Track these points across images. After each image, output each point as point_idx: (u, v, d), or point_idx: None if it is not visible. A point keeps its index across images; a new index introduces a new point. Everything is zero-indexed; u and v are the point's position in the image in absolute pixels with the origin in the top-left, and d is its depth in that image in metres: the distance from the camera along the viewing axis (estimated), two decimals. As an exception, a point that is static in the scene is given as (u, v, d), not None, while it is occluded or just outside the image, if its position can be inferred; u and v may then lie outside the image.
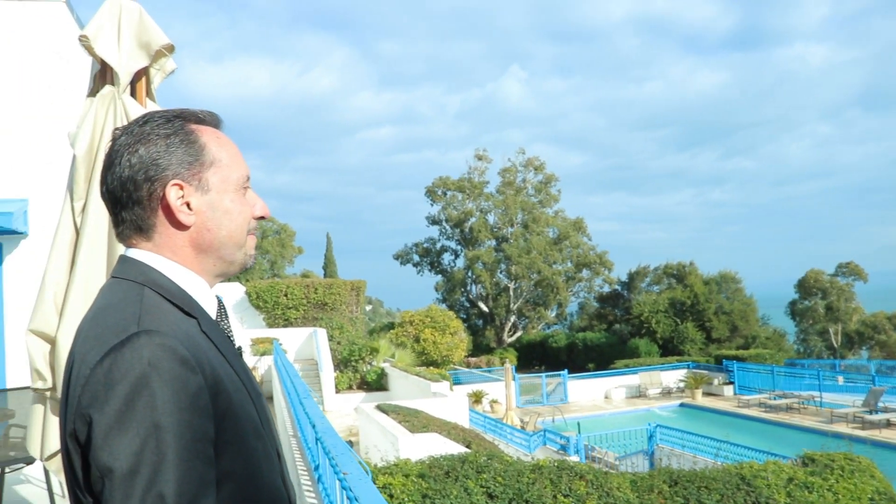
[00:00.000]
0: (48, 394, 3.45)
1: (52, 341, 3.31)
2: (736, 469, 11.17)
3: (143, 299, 1.21)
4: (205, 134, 1.37)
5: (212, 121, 1.42)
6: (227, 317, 1.40)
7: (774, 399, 27.47)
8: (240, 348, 1.40)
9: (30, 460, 6.27)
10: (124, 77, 3.46)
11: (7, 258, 8.84)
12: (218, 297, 1.40)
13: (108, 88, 3.49)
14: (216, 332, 1.29)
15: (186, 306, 1.26)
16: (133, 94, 3.68)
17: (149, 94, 3.80)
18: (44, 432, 3.52)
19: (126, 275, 1.28)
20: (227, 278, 1.45)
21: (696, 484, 10.29)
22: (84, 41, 3.45)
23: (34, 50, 9.10)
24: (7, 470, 6.38)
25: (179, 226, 1.31)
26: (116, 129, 1.37)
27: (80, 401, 1.10)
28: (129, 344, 1.10)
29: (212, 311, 1.34)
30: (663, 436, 20.21)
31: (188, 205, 1.31)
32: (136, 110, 3.46)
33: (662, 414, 28.89)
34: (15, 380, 8.37)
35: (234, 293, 28.58)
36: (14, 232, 8.59)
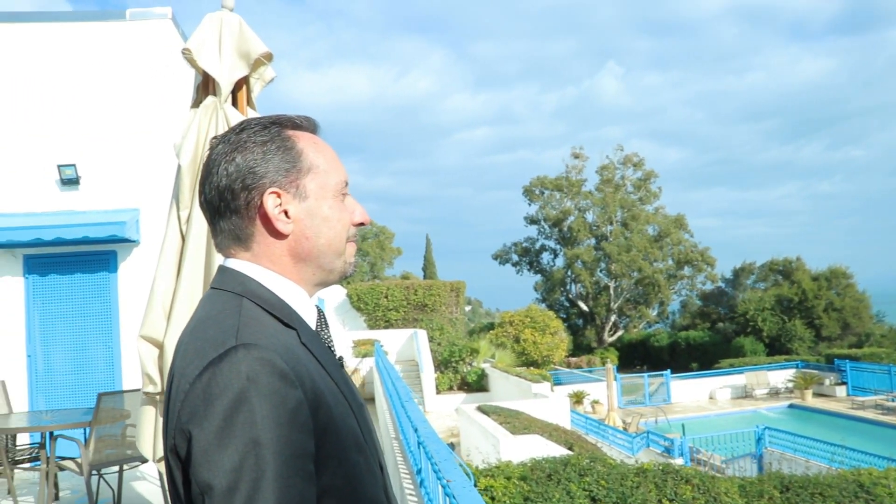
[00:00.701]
0: (158, 397, 3.54)
1: (160, 346, 3.40)
2: (853, 475, 10.65)
3: (242, 311, 1.19)
4: (301, 139, 1.34)
5: (308, 126, 1.40)
6: (327, 326, 1.37)
7: (893, 401, 26.12)
8: (341, 358, 1.37)
9: (145, 459, 6.52)
10: (225, 87, 3.53)
11: (121, 266, 9.22)
12: (318, 307, 1.37)
13: (210, 99, 3.57)
14: (316, 343, 1.27)
15: (286, 317, 1.23)
16: (234, 103, 3.74)
17: (249, 102, 3.87)
18: (155, 435, 3.62)
19: (225, 286, 1.27)
20: (328, 286, 1.42)
21: (809, 490, 9.85)
22: (187, 54, 3.53)
23: (143, 66, 9.45)
24: (125, 467, 6.66)
25: (277, 234, 1.29)
26: (214, 137, 1.36)
27: (179, 416, 1.09)
28: (228, 358, 1.08)
29: (311, 321, 1.32)
30: (772, 438, 19.51)
31: (286, 213, 1.28)
32: (237, 119, 3.52)
33: (770, 415, 27.91)
34: (130, 382, 8.73)
35: (335, 295, 29.13)
36: (127, 240, 8.94)
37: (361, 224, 1.40)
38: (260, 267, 1.29)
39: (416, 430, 4.25)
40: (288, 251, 1.30)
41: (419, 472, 4.07)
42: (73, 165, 9.13)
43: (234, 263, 1.30)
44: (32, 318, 9.14)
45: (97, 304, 9.20)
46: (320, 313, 1.37)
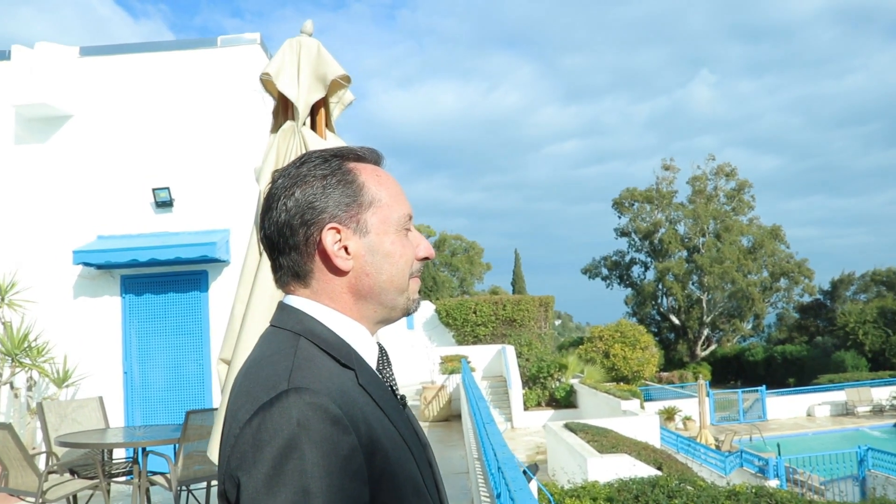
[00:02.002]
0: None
1: (239, 370, 3.44)
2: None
3: (297, 352, 1.16)
4: (363, 172, 1.31)
5: (372, 157, 1.36)
6: (389, 364, 1.33)
7: None
8: (403, 398, 1.33)
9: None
10: (303, 110, 3.56)
11: (212, 285, 9.45)
12: (380, 345, 1.34)
13: (288, 123, 3.60)
14: (375, 384, 1.22)
15: (343, 357, 1.20)
16: (313, 127, 3.77)
17: (328, 125, 3.90)
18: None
19: (283, 324, 1.24)
20: (390, 324, 1.38)
21: (919, 517, 9.33)
22: (265, 78, 3.58)
23: (233, 91, 9.71)
24: (213, 483, 6.79)
25: (337, 271, 1.25)
26: (275, 171, 1.34)
27: (229, 462, 1.07)
28: (279, 403, 1.05)
29: (372, 360, 1.28)
30: (876, 460, 18.62)
31: (346, 249, 1.25)
32: (315, 143, 3.55)
33: (874, 434, 26.71)
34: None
35: (424, 311, 29.28)
36: (217, 260, 9.15)
37: (426, 259, 1.36)
38: (319, 304, 1.26)
39: (496, 455, 4.21)
40: (348, 288, 1.27)
41: (499, 496, 4.03)
42: (167, 188, 9.43)
43: (294, 300, 1.28)
44: (129, 336, 9.45)
45: (189, 322, 9.45)
46: (382, 351, 1.33)
